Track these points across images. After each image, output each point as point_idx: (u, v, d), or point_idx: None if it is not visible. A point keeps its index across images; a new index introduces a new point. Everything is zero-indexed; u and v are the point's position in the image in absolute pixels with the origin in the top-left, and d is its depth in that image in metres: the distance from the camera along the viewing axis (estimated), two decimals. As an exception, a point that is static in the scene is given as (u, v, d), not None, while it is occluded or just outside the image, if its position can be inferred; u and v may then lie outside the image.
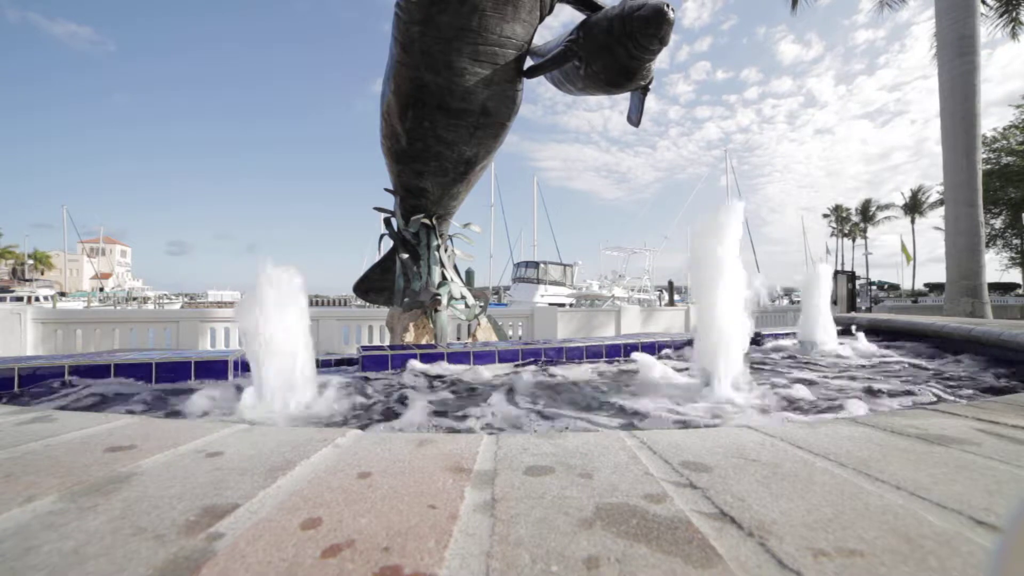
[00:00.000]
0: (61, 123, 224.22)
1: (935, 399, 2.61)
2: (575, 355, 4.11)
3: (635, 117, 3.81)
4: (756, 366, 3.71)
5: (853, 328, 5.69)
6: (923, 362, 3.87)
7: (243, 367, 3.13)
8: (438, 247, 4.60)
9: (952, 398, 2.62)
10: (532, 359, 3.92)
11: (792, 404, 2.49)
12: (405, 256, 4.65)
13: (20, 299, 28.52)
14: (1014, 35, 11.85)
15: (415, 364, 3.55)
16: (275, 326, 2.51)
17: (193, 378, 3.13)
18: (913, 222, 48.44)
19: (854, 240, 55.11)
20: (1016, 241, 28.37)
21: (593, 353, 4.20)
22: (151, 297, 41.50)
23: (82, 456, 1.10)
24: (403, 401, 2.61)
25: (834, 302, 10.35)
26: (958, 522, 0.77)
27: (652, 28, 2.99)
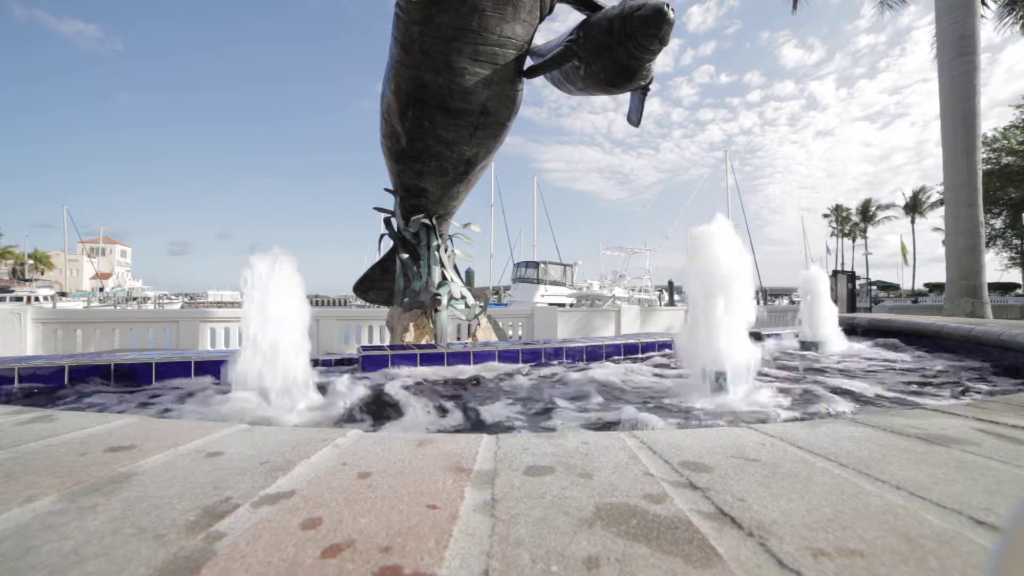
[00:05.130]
0: (63, 123, 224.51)
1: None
2: (575, 355, 4.11)
3: (635, 117, 3.82)
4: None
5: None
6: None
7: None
8: (438, 247, 4.60)
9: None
10: (532, 359, 3.93)
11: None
12: (405, 256, 4.65)
13: (20, 299, 28.50)
14: None
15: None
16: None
17: (193, 378, 3.13)
18: (913, 222, 48.44)
19: (854, 240, 55.07)
20: (1016, 241, 28.38)
21: (593, 353, 4.20)
22: (151, 297, 41.42)
23: (82, 456, 1.10)
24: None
25: (833, 301, 10.34)
26: (958, 522, 0.77)
27: (652, 28, 3.00)
